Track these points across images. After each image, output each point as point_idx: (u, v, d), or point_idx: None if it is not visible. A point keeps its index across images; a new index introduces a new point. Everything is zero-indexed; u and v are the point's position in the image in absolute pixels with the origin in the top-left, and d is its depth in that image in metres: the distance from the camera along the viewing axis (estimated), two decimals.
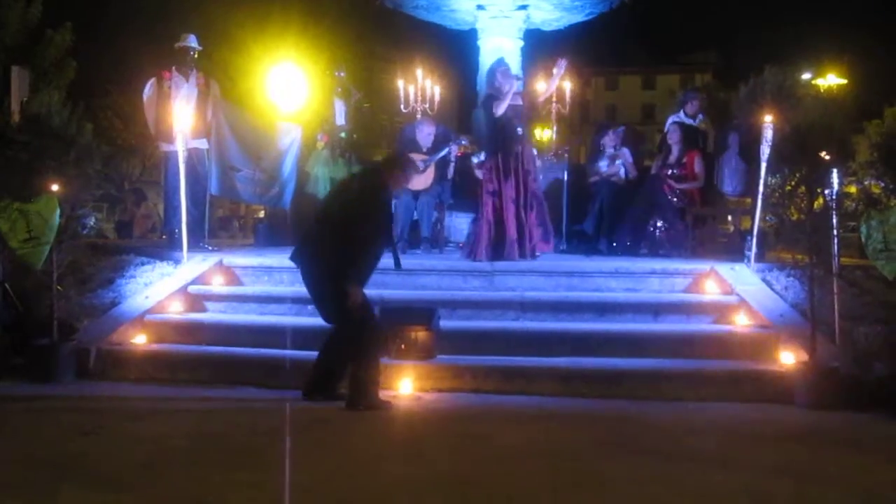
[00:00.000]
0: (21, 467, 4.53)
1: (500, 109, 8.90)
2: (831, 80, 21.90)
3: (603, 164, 10.74)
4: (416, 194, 10.17)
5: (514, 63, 12.16)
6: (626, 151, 10.87)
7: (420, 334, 6.69)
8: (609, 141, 10.87)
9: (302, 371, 6.52)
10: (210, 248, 9.61)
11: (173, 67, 9.60)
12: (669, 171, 10.25)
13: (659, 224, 10.09)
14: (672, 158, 10.33)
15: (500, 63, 9.27)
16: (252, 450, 4.94)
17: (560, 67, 9.32)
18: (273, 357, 6.78)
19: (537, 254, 8.83)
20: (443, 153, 10.27)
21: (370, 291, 7.95)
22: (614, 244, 10.15)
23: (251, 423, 5.62)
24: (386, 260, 8.91)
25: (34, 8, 10.38)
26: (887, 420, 5.76)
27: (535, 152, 9.04)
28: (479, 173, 11.12)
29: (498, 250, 8.67)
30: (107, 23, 22.59)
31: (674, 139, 10.46)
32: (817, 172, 6.76)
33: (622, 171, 10.67)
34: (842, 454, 5.02)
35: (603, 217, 10.32)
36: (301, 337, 7.01)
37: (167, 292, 7.95)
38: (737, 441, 5.29)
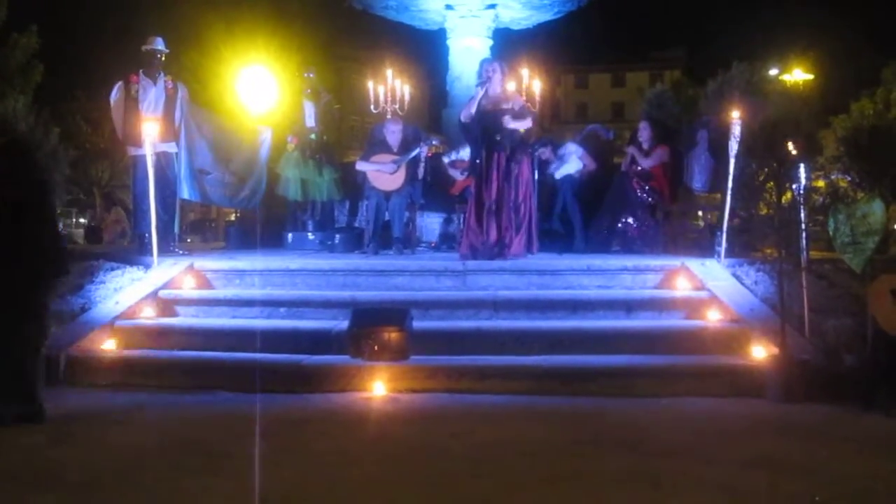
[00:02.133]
0: None
1: (465, 115, 8.91)
2: (798, 76, 22.08)
3: (553, 168, 10.80)
4: (387, 195, 10.16)
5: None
6: (572, 145, 10.93)
7: (393, 335, 6.67)
8: (543, 156, 10.94)
9: (274, 374, 6.51)
10: (181, 252, 9.55)
11: (141, 71, 9.53)
12: (638, 168, 10.32)
13: (629, 221, 10.15)
14: (638, 156, 10.39)
15: (481, 64, 9.23)
16: (225, 454, 4.91)
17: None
18: (245, 360, 6.74)
19: (511, 256, 8.81)
20: (413, 153, 10.26)
21: (343, 293, 8.00)
22: (585, 242, 10.20)
23: (223, 427, 5.58)
24: (359, 260, 8.98)
25: None
26: (857, 411, 5.82)
27: (520, 155, 9.00)
28: (452, 172, 11.16)
29: (474, 250, 8.74)
30: (73, 26, 22.40)
31: (644, 136, 10.53)
32: (785, 167, 6.84)
33: (580, 164, 10.72)
34: (813, 446, 5.06)
35: (566, 213, 10.38)
36: (273, 340, 7.01)
37: (137, 297, 7.89)
38: (710, 435, 5.32)
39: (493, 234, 8.73)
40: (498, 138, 8.78)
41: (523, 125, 9.02)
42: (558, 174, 10.70)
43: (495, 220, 8.73)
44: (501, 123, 8.77)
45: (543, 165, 10.92)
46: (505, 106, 8.85)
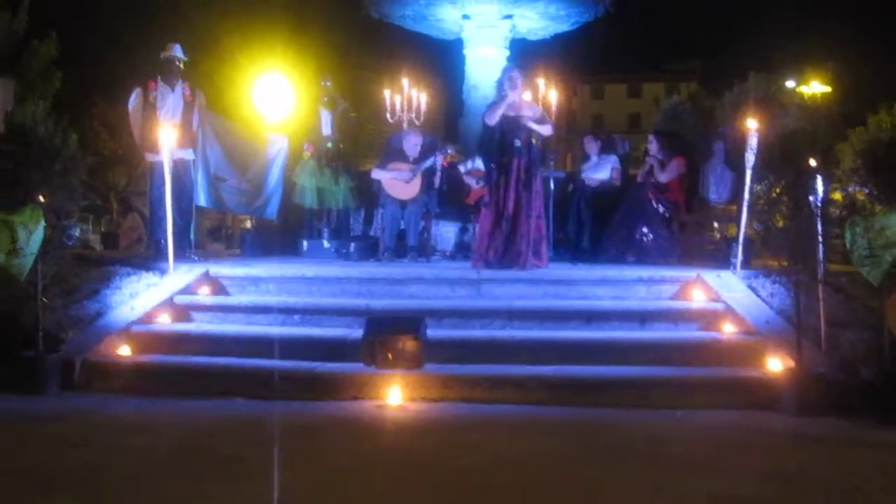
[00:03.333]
0: (8, 480, 4.50)
1: (491, 118, 8.89)
2: (815, 88, 22.01)
3: (587, 169, 10.81)
4: (403, 203, 10.19)
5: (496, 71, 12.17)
6: (614, 158, 10.94)
7: (407, 344, 6.67)
8: (588, 146, 10.96)
9: (289, 381, 6.51)
10: (196, 258, 9.58)
11: (159, 77, 9.58)
12: (653, 180, 10.31)
13: (645, 231, 10.13)
14: (657, 167, 10.39)
15: (506, 71, 9.21)
16: (238, 461, 4.92)
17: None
18: (259, 367, 6.76)
19: (528, 268, 8.79)
20: (428, 163, 10.28)
21: (357, 301, 8.00)
22: (600, 252, 10.19)
23: (237, 433, 5.60)
24: (373, 268, 9.00)
25: (20, 19, 10.34)
26: (873, 425, 5.78)
27: (538, 164, 9.00)
28: (467, 181, 11.17)
29: (488, 259, 8.74)
30: (92, 32, 22.53)
31: (652, 150, 10.53)
32: (802, 179, 6.79)
33: (609, 174, 10.73)
34: (829, 459, 5.03)
35: (582, 223, 10.38)
36: (287, 347, 7.01)
37: (153, 303, 7.92)
38: (725, 448, 5.30)
39: (513, 243, 8.71)
40: (517, 144, 8.78)
41: (545, 130, 9.01)
42: (596, 175, 10.69)
43: (514, 228, 8.72)
44: (522, 129, 8.77)
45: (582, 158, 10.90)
46: (526, 113, 8.86)
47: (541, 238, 8.93)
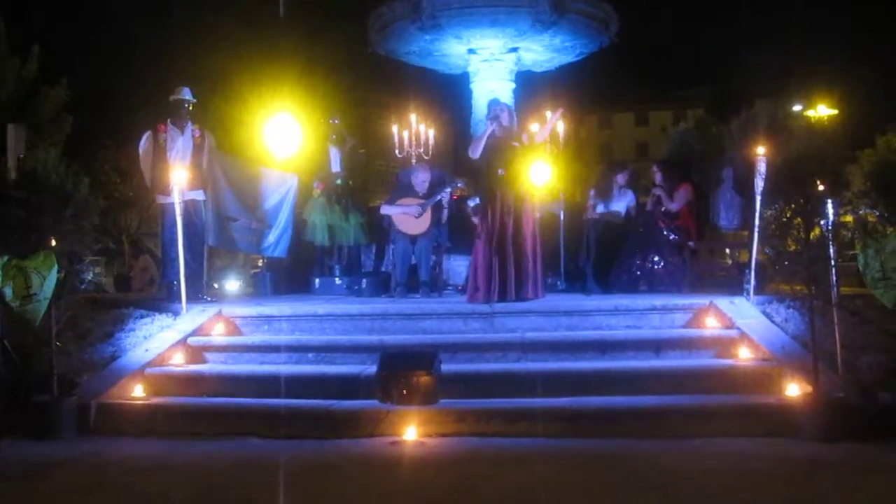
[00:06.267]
0: None
1: (474, 152, 8.97)
2: (822, 111, 21.99)
3: (611, 202, 10.79)
4: (413, 238, 10.20)
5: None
6: (631, 194, 10.96)
7: (422, 379, 6.64)
8: (622, 179, 10.96)
9: (303, 419, 6.50)
10: (209, 298, 9.60)
11: (168, 120, 9.66)
12: (663, 209, 10.31)
13: (656, 260, 10.11)
14: (664, 197, 10.39)
15: (490, 104, 9.33)
16: (253, 502, 4.90)
17: (555, 115, 9.45)
18: (273, 406, 6.74)
19: (530, 297, 8.78)
20: (437, 198, 10.31)
21: (371, 337, 7.99)
22: (612, 282, 10.17)
23: (253, 474, 5.57)
24: (386, 304, 8.99)
25: (30, 65, 10.46)
26: (894, 449, 5.71)
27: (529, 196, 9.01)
28: (474, 220, 11.18)
29: (482, 292, 8.70)
30: (102, 77, 22.80)
31: (658, 180, 10.54)
32: (812, 203, 6.78)
33: (624, 210, 10.74)
34: (851, 486, 4.98)
35: (595, 253, 10.36)
36: (301, 385, 7.01)
37: (167, 345, 7.93)
38: (745, 476, 5.25)
39: (511, 276, 8.69)
40: (501, 172, 8.82)
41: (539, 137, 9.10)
42: (615, 208, 10.70)
43: (511, 261, 8.70)
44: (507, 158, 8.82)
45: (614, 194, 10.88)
46: (513, 143, 8.93)
47: (534, 267, 8.92)
